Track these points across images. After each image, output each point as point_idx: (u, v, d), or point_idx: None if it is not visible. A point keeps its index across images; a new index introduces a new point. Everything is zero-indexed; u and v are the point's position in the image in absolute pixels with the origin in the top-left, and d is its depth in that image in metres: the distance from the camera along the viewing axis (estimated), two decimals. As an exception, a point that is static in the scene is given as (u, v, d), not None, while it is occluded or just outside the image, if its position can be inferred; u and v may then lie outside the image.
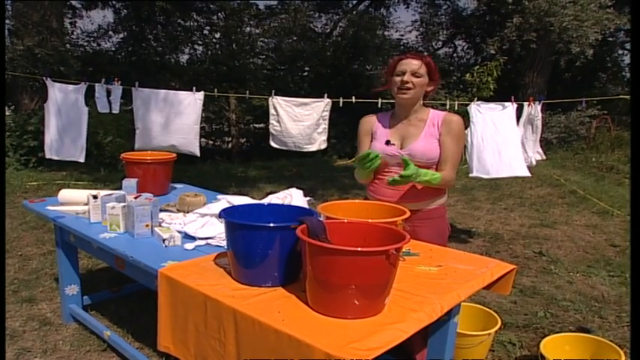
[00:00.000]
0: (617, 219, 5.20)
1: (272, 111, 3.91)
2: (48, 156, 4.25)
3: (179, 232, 1.91)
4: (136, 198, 1.91)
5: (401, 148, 1.98)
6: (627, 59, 16.01)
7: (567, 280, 3.41)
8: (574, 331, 2.48)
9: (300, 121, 3.86)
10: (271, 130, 3.99)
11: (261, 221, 1.53)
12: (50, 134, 4.16)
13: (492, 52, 10.22)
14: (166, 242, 1.78)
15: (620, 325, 2.74)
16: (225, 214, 1.46)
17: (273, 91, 3.94)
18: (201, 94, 4.01)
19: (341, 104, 3.90)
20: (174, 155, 2.76)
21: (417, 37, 15.34)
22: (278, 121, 3.93)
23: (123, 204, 1.94)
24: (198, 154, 4.22)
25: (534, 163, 3.75)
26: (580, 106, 11.11)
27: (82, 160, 4.25)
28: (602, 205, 5.75)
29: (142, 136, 4.19)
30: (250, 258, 1.40)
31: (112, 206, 1.92)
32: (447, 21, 15.25)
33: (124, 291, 2.83)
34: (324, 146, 4.00)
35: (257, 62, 12.96)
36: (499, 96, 5.72)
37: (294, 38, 12.85)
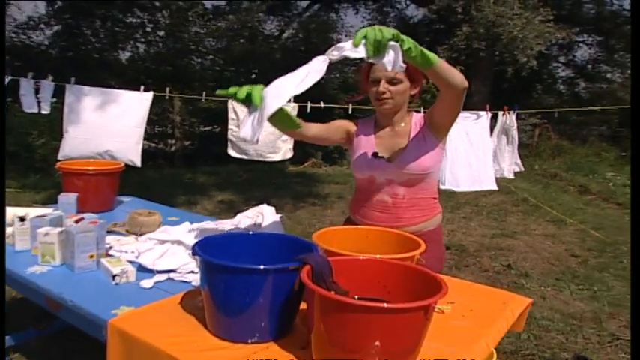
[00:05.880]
0: (571, 227, 5.26)
1: (231, 115, 3.53)
2: None
3: (131, 262, 1.56)
4: (77, 222, 1.53)
5: (389, 162, 1.71)
6: (561, 72, 16.91)
7: (540, 296, 3.31)
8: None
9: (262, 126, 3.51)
10: (230, 136, 3.61)
11: (244, 256, 1.23)
12: None
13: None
14: (117, 279, 1.42)
15: (603, 347, 2.64)
16: (200, 248, 1.14)
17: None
18: (149, 95, 3.57)
19: (308, 109, 3.60)
20: (122, 165, 2.37)
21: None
22: (238, 126, 3.56)
23: (60, 229, 1.56)
24: (138, 163, 3.60)
25: (512, 175, 3.66)
26: (522, 115, 11.50)
27: None
28: (555, 213, 5.83)
29: (71, 142, 3.52)
30: (235, 308, 1.09)
31: (45, 232, 1.53)
32: (394, 28, 15.37)
33: (53, 327, 2.36)
34: (289, 155, 3.67)
35: (204, 63, 12.45)
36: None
37: (241, 41, 12.45)
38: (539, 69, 13.78)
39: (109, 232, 1.88)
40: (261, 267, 1.05)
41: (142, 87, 3.58)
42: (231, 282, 1.06)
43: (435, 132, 1.68)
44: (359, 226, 1.53)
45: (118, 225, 2.02)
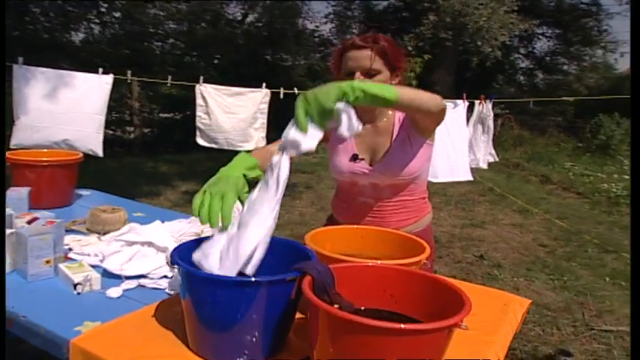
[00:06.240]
0: (537, 217, 5.34)
1: (199, 101, 3.30)
2: None
3: (93, 266, 1.39)
4: (30, 222, 1.34)
5: (370, 164, 1.53)
6: (522, 63, 17.32)
7: (514, 287, 3.31)
8: (552, 353, 2.32)
9: (233, 113, 3.30)
10: (198, 123, 3.38)
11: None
12: None
13: (410, 48, 10.32)
14: (79, 288, 1.25)
15: (578, 337, 2.65)
16: (180, 256, 0.99)
17: (202, 78, 3.34)
18: (109, 78, 3.30)
19: (282, 95, 3.43)
20: (80, 155, 2.15)
21: (330, 29, 15.21)
22: (207, 113, 3.34)
23: (9, 231, 1.36)
24: (100, 153, 3.39)
25: (486, 165, 3.63)
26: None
27: None
28: (520, 203, 5.92)
29: (24, 129, 3.23)
30: (222, 325, 0.95)
31: (-9, 235, 1.33)
32: (360, 15, 15.28)
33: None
34: (262, 144, 3.49)
35: (165, 47, 11.97)
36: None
37: (203, 24, 12.03)
38: (502, 59, 14.09)
39: (67, 230, 1.69)
40: (255, 280, 0.91)
41: (101, 70, 3.31)
42: (220, 296, 0.92)
43: (420, 133, 1.50)
44: (352, 226, 1.40)
45: (77, 222, 1.82)
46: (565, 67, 16.73)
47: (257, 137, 3.42)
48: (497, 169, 8.66)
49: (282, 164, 0.99)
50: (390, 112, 1.54)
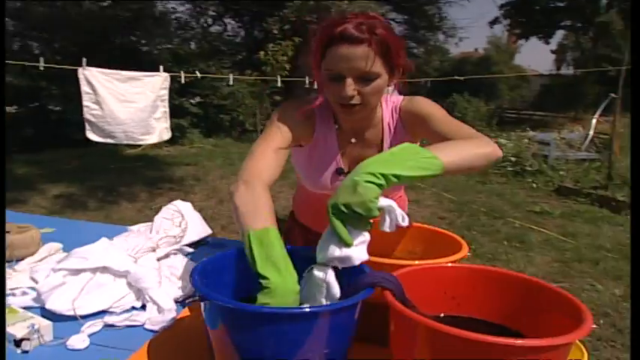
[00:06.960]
0: (427, 192, 5.65)
1: (85, 88, 2.69)
2: None
3: (26, 308, 1.01)
4: None
5: None
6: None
7: (433, 260, 3.42)
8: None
9: (129, 101, 2.77)
10: (87, 115, 2.76)
11: (246, 281, 0.84)
12: None
13: (275, 31, 10.21)
14: (26, 345, 0.87)
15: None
16: (202, 281, 0.72)
17: (85, 60, 2.73)
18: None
19: (183, 80, 2.99)
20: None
21: (184, 11, 14.33)
22: (97, 102, 2.74)
23: None
24: None
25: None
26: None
27: None
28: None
29: None
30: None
31: None
32: (215, -2, 14.64)
33: None
34: (167, 136, 3.01)
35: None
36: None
37: (34, 2, 10.47)
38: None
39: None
40: (329, 308, 0.71)
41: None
42: (281, 333, 0.68)
43: (418, 139, 1.21)
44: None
45: (-36, 250, 1.33)
46: (415, 51, 18.19)
47: (159, 129, 2.94)
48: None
49: (332, 281, 0.80)
50: (378, 116, 1.23)
